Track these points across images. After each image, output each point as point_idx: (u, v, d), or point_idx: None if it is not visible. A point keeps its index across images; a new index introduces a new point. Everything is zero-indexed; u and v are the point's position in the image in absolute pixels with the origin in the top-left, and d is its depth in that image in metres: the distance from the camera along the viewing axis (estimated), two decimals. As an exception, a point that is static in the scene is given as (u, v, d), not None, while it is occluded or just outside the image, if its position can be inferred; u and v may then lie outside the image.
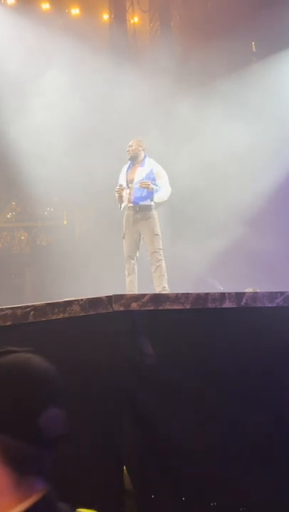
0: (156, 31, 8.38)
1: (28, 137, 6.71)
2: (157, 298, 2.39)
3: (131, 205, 4.38)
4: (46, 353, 2.36)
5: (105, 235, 6.47)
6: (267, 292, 2.45)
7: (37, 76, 6.80)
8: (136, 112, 6.50)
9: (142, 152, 4.45)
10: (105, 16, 8.37)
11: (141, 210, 4.34)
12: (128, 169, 4.46)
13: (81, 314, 2.24)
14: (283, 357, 2.43)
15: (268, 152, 6.61)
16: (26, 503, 0.84)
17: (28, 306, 2.18)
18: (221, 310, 2.39)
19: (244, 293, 2.44)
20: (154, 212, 4.37)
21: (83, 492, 2.18)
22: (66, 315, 2.21)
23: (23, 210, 8.85)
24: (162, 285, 4.26)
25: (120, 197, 4.40)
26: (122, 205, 4.45)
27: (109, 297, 2.30)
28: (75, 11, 8.12)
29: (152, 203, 4.39)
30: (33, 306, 2.18)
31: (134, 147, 4.42)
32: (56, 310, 2.20)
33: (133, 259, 4.37)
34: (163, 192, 4.39)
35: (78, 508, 0.96)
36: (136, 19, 8.48)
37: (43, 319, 2.18)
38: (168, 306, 2.36)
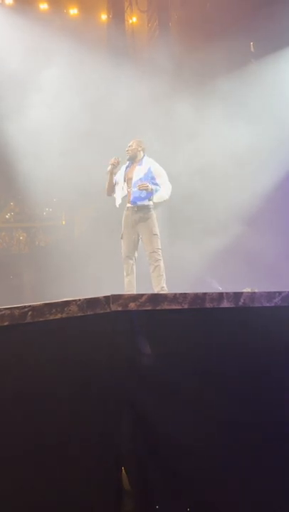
0: (155, 31, 8.38)
1: (27, 137, 6.71)
2: (155, 298, 2.39)
3: (130, 205, 4.39)
4: (44, 353, 2.37)
5: (104, 236, 6.47)
6: (265, 292, 2.46)
7: (35, 76, 6.80)
8: (134, 111, 6.50)
9: (141, 152, 4.46)
10: (103, 16, 8.37)
11: (139, 210, 4.34)
12: (127, 168, 4.47)
13: (79, 314, 2.24)
14: (281, 357, 2.43)
15: (267, 152, 6.62)
16: None
17: (25, 307, 2.18)
18: (219, 310, 2.39)
19: (242, 293, 2.44)
20: (153, 213, 4.37)
21: (83, 492, 2.18)
22: (64, 315, 2.21)
23: (21, 211, 8.85)
24: (160, 285, 4.27)
25: (111, 177, 4.37)
26: (117, 202, 4.46)
27: (107, 297, 2.30)
28: (74, 11, 8.12)
29: (151, 203, 4.39)
30: (30, 306, 2.18)
31: (133, 147, 4.44)
32: (54, 310, 2.20)
33: (131, 259, 4.37)
34: (163, 191, 4.39)
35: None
36: (134, 19, 8.49)
37: (40, 319, 2.18)
38: (166, 306, 2.36)
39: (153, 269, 4.30)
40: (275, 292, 2.44)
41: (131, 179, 4.39)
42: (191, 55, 6.84)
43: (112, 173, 4.44)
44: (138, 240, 4.38)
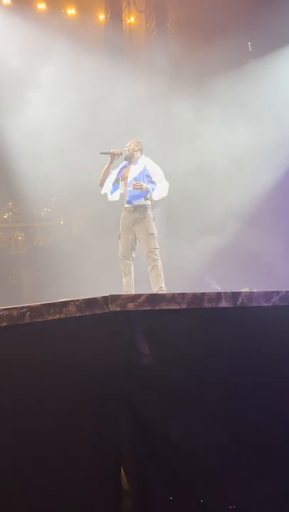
0: (153, 31, 8.38)
1: (25, 137, 6.70)
2: (153, 298, 2.39)
3: (127, 205, 4.39)
4: (43, 353, 2.37)
5: (102, 236, 6.47)
6: (263, 292, 2.46)
7: (33, 76, 6.79)
8: (133, 111, 6.50)
9: (138, 153, 4.47)
10: (101, 16, 8.37)
11: (136, 210, 4.34)
12: (123, 168, 4.48)
13: (77, 315, 2.24)
14: (280, 356, 2.43)
15: (266, 151, 6.63)
16: None
17: (24, 307, 2.18)
18: (217, 310, 2.39)
19: (240, 293, 2.45)
20: (149, 213, 4.37)
21: (82, 492, 2.18)
22: (62, 315, 2.22)
23: (19, 211, 8.83)
24: (159, 285, 4.26)
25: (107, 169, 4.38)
26: (102, 191, 4.45)
27: (105, 297, 2.30)
28: (71, 11, 8.12)
29: (148, 202, 4.39)
30: (29, 306, 2.19)
31: (131, 147, 4.45)
32: (52, 311, 2.20)
33: (128, 259, 4.37)
34: (160, 188, 4.38)
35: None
36: (132, 19, 8.49)
37: (39, 320, 2.19)
38: (164, 306, 2.36)
39: (151, 268, 4.30)
40: (272, 292, 2.45)
41: (126, 178, 4.40)
42: (189, 55, 6.84)
43: (110, 162, 4.44)
44: (135, 240, 4.38)
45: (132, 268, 4.41)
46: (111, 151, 4.44)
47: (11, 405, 2.15)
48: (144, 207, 4.35)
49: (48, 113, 6.65)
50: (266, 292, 2.45)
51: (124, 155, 4.45)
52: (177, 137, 6.81)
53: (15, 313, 2.16)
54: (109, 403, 2.27)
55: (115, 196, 4.54)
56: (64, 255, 7.39)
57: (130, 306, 2.32)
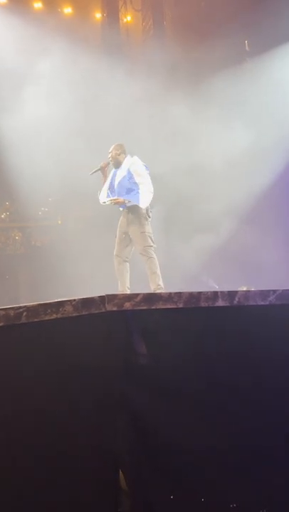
0: (149, 30, 8.38)
1: (21, 136, 6.69)
2: (150, 297, 2.39)
3: (121, 209, 4.46)
4: (40, 353, 2.37)
5: (100, 235, 6.46)
6: (259, 290, 2.46)
7: (30, 75, 6.78)
8: (129, 110, 6.50)
9: (122, 155, 4.48)
10: (98, 15, 8.36)
11: (130, 211, 4.38)
12: (113, 175, 4.52)
13: (74, 315, 2.24)
14: (276, 354, 2.44)
15: (264, 151, 6.63)
16: None
17: (20, 307, 2.18)
18: (213, 309, 2.39)
19: (236, 291, 2.45)
20: (142, 212, 4.39)
21: (81, 492, 2.18)
22: (59, 315, 2.21)
23: (16, 210, 8.81)
24: (156, 283, 4.28)
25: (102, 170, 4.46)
26: (100, 201, 4.51)
27: (102, 297, 2.30)
28: (68, 10, 8.10)
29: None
30: (25, 306, 2.18)
31: (112, 154, 4.48)
32: (49, 310, 2.20)
33: (121, 258, 4.41)
34: (144, 193, 4.35)
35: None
36: (129, 18, 8.47)
37: (35, 320, 2.18)
38: (161, 306, 2.36)
39: (146, 264, 4.34)
40: (269, 290, 2.45)
41: (114, 185, 4.45)
42: (186, 54, 6.84)
43: (104, 175, 4.50)
44: (129, 240, 4.42)
45: (126, 267, 4.42)
46: (99, 166, 4.50)
47: (9, 406, 2.14)
48: (136, 207, 4.37)
49: (45, 112, 6.64)
50: (262, 291, 2.45)
51: (111, 163, 4.49)
52: (174, 136, 6.81)
53: (12, 313, 2.16)
54: (106, 402, 2.27)
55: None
56: (61, 255, 7.37)
57: (127, 305, 2.32)
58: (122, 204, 4.40)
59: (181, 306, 2.37)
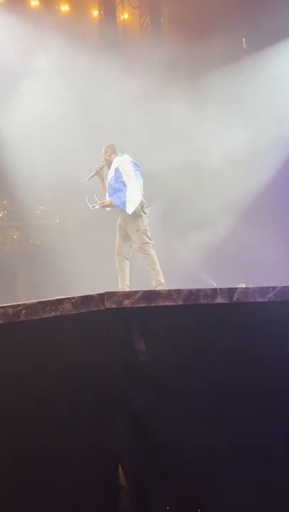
0: (147, 27, 8.36)
1: (18, 135, 6.68)
2: (149, 295, 2.39)
3: (110, 208, 4.50)
4: (39, 351, 2.36)
5: (98, 233, 6.46)
6: (258, 287, 2.46)
7: (27, 73, 6.77)
8: (127, 108, 6.49)
9: (112, 155, 4.50)
10: (95, 13, 8.33)
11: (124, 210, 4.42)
12: (108, 176, 4.54)
13: (73, 312, 2.23)
14: (276, 351, 2.44)
15: (262, 148, 6.63)
16: None
17: (19, 305, 2.17)
18: (213, 306, 2.39)
19: (236, 288, 2.44)
20: (137, 209, 4.40)
21: (81, 491, 2.17)
22: (58, 313, 2.21)
23: (15, 209, 8.79)
24: (157, 279, 4.31)
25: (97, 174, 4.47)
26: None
27: (101, 295, 2.30)
28: (65, 8, 8.07)
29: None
30: (24, 304, 2.18)
31: (104, 156, 4.51)
32: (48, 308, 2.19)
33: (120, 255, 4.43)
34: (129, 197, 4.38)
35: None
36: (126, 15, 8.46)
37: (34, 318, 2.18)
38: (160, 303, 2.36)
39: (145, 261, 4.36)
40: (268, 287, 2.45)
41: (108, 186, 4.48)
42: (184, 51, 6.83)
43: (100, 179, 4.54)
44: (127, 237, 4.44)
45: (127, 264, 4.43)
46: (94, 170, 4.53)
47: (8, 405, 2.14)
48: None
49: (43, 110, 6.63)
50: (262, 288, 2.45)
51: (105, 165, 4.52)
52: (172, 134, 6.80)
53: (10, 311, 2.15)
54: (107, 402, 2.26)
55: None
56: (60, 253, 7.37)
57: (126, 302, 2.31)
58: (111, 206, 4.42)
59: (180, 303, 2.37)
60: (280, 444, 2.39)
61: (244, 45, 7.77)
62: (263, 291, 2.43)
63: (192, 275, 6.27)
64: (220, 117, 6.68)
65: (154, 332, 2.38)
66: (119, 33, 8.18)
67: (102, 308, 2.28)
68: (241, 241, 6.61)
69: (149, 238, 4.40)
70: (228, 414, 2.35)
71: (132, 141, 5.30)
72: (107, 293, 2.31)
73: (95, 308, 2.27)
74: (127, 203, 4.32)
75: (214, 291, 2.39)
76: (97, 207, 4.43)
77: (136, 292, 2.37)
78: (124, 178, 4.37)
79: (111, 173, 4.46)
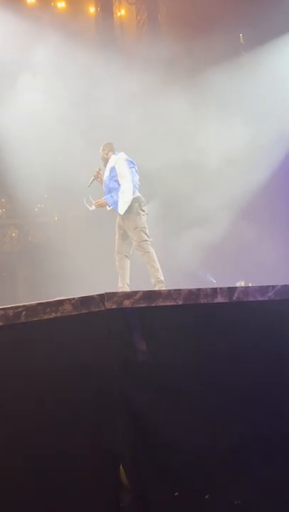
0: (144, 24, 8.32)
1: (16, 133, 6.65)
2: (149, 295, 2.38)
3: (110, 208, 4.50)
4: (39, 353, 2.36)
5: (97, 231, 6.46)
6: (258, 286, 2.46)
7: (24, 70, 6.73)
8: (125, 105, 6.47)
9: (110, 154, 4.51)
10: (92, 9, 8.29)
11: None
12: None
13: (73, 313, 2.23)
14: (276, 349, 2.44)
15: (262, 145, 6.63)
16: None
17: (19, 307, 2.17)
18: (213, 305, 2.39)
19: (236, 287, 2.45)
20: (135, 207, 4.40)
21: (82, 491, 2.18)
22: (58, 314, 2.21)
23: (13, 207, 8.77)
24: (156, 276, 4.32)
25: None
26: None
27: (101, 295, 2.29)
28: (61, 5, 8.03)
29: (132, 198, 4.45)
30: (24, 306, 2.18)
31: (102, 154, 4.52)
32: (48, 309, 2.19)
33: (120, 253, 4.44)
34: (121, 198, 4.39)
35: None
36: (123, 12, 8.41)
37: (35, 319, 2.18)
38: (160, 303, 2.36)
39: (144, 259, 4.36)
40: (268, 286, 2.45)
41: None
42: (181, 48, 6.81)
43: (101, 182, 4.56)
44: (126, 236, 4.44)
45: (127, 263, 4.43)
46: (92, 176, 4.55)
47: (8, 405, 2.14)
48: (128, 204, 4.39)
49: (40, 108, 6.61)
50: (261, 287, 2.45)
51: (102, 166, 4.53)
52: (171, 132, 6.79)
53: (11, 312, 2.15)
54: (108, 402, 2.26)
55: None
56: (59, 251, 7.37)
57: (126, 303, 2.31)
58: (106, 206, 4.43)
59: (180, 303, 2.37)
60: (281, 444, 2.39)
61: (242, 42, 7.74)
62: (262, 290, 2.44)
63: (191, 273, 6.28)
64: (219, 114, 6.66)
65: (155, 332, 2.38)
66: (116, 29, 8.14)
67: (103, 308, 2.28)
68: (240, 239, 6.61)
69: (148, 236, 4.41)
70: (228, 413, 2.35)
71: (130, 139, 5.29)
72: (107, 293, 2.31)
73: (95, 309, 2.27)
74: (118, 203, 4.33)
75: (214, 291, 2.39)
76: (94, 207, 4.45)
77: (136, 292, 2.37)
78: (119, 178, 4.38)
79: (106, 172, 4.46)
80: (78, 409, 2.22)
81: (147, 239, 4.38)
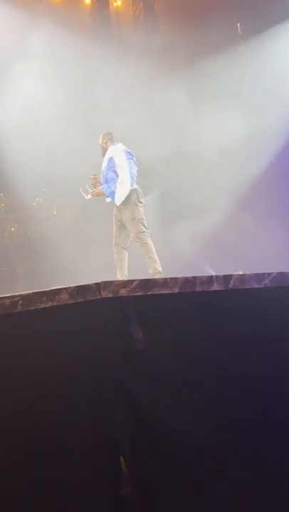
0: (140, 14, 8.25)
1: (13, 125, 6.63)
2: (146, 283, 2.39)
3: (110, 199, 4.48)
4: (36, 342, 2.36)
5: (96, 224, 6.45)
6: (254, 274, 2.46)
7: (20, 61, 6.69)
8: (121, 96, 6.45)
9: (108, 143, 4.49)
10: (87, 0, 8.22)
11: None
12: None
13: (70, 302, 2.23)
14: (271, 336, 2.45)
15: (260, 135, 6.60)
16: None
17: (15, 296, 2.18)
18: (209, 293, 2.39)
19: (231, 275, 2.45)
20: (132, 198, 4.40)
21: (82, 485, 2.18)
22: (55, 303, 2.21)
23: (11, 202, 8.76)
24: (154, 267, 4.32)
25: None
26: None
27: (97, 284, 2.30)
28: (57, -5, 7.96)
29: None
30: (20, 295, 2.18)
31: (100, 142, 4.50)
32: (44, 298, 2.20)
33: (118, 245, 4.44)
34: (118, 189, 4.38)
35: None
36: (119, 2, 8.34)
37: (31, 308, 2.18)
38: (156, 291, 2.36)
39: (141, 250, 4.37)
40: (264, 274, 2.45)
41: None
42: (178, 38, 6.76)
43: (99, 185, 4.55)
44: (123, 227, 4.44)
45: (125, 255, 4.44)
46: (90, 183, 4.51)
47: (5, 396, 2.14)
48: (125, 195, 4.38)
49: (37, 99, 6.58)
50: (257, 274, 2.45)
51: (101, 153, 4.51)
52: (168, 122, 6.76)
53: (7, 302, 2.16)
54: (107, 392, 2.26)
55: None
56: (58, 245, 7.37)
57: (122, 291, 2.32)
58: (103, 195, 4.42)
59: (176, 291, 2.37)
60: (279, 432, 2.40)
61: (239, 32, 7.68)
62: (258, 277, 2.44)
63: (190, 264, 6.28)
64: (216, 104, 6.63)
65: (151, 320, 2.39)
66: (112, 20, 8.08)
67: (99, 297, 2.28)
68: (239, 229, 6.60)
69: (146, 227, 4.41)
70: (226, 402, 2.35)
71: (127, 131, 5.26)
72: (103, 282, 2.31)
73: (92, 298, 2.27)
74: (116, 193, 4.33)
75: (210, 279, 2.40)
76: (90, 196, 4.44)
77: (132, 281, 2.37)
78: (117, 169, 4.37)
79: (104, 162, 4.45)
80: (77, 399, 2.22)
81: (145, 230, 4.39)
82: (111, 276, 4.42)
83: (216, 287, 2.39)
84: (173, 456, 2.28)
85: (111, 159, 4.39)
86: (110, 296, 2.30)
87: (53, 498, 2.15)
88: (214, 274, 2.52)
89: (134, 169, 4.46)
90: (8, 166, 7.13)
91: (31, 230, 8.92)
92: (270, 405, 2.41)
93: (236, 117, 6.57)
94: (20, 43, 6.63)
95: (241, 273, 3.49)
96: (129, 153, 4.46)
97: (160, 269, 4.33)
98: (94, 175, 4.53)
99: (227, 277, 2.42)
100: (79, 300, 2.25)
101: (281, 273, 2.49)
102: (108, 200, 4.56)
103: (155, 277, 4.28)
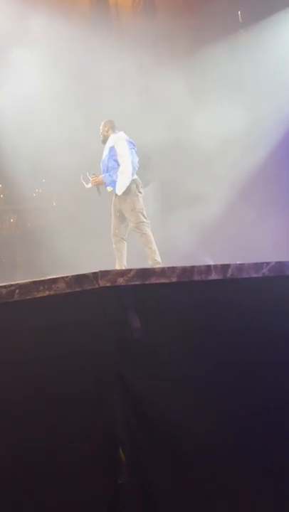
0: (139, 3, 8.16)
1: (12, 116, 6.59)
2: (143, 272, 2.38)
3: (111, 188, 4.45)
4: (34, 330, 2.35)
5: (95, 215, 6.44)
6: (252, 263, 2.45)
7: (19, 51, 6.64)
8: (121, 85, 6.40)
9: (109, 131, 4.46)
10: (86, -11, 8.12)
11: None
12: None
13: (67, 291, 2.23)
14: (270, 326, 2.45)
15: (261, 124, 6.55)
16: None
17: (12, 285, 2.17)
18: (207, 282, 2.38)
19: (229, 264, 2.44)
20: (132, 188, 4.38)
21: (82, 479, 2.18)
22: (52, 292, 2.20)
23: (11, 193, 8.73)
24: (153, 258, 4.31)
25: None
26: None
27: (95, 273, 2.29)
28: (55, -16, 7.85)
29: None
30: (17, 284, 2.18)
31: (101, 130, 4.46)
32: (41, 288, 2.19)
33: (117, 236, 4.42)
34: (120, 178, 4.35)
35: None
36: (118, -9, 8.24)
37: (28, 297, 2.17)
38: (154, 280, 2.35)
39: (141, 240, 4.36)
40: (262, 263, 2.44)
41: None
42: (177, 27, 6.69)
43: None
44: (123, 218, 4.43)
45: (124, 245, 4.43)
46: (90, 184, 4.48)
47: (5, 388, 2.13)
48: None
49: (35, 90, 6.53)
50: (256, 263, 2.44)
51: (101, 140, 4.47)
52: (168, 112, 6.71)
53: (4, 291, 2.15)
54: (102, 381, 2.25)
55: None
56: (57, 237, 7.36)
57: (120, 280, 2.31)
58: (103, 184, 4.39)
59: (174, 281, 2.36)
60: (279, 425, 2.39)
61: (240, 20, 7.59)
62: (257, 266, 2.43)
63: (189, 254, 6.28)
64: (216, 93, 6.58)
65: (149, 309, 2.38)
66: (111, 9, 7.99)
67: (96, 286, 2.27)
68: (239, 219, 6.59)
69: (145, 217, 4.39)
70: (225, 394, 2.34)
71: (126, 119, 5.23)
72: (100, 271, 2.30)
73: (89, 287, 2.26)
74: (117, 183, 4.31)
75: (208, 268, 2.39)
76: (91, 185, 4.42)
77: (130, 270, 2.36)
78: (118, 158, 4.34)
79: (105, 151, 4.41)
80: (76, 394, 2.21)
81: (144, 220, 4.37)
82: (110, 266, 4.41)
83: (214, 276, 2.38)
84: (173, 452, 2.27)
85: (112, 148, 4.35)
86: (108, 285, 2.29)
87: (52, 497, 2.11)
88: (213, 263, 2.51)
89: (136, 159, 4.44)
90: (7, 156, 7.10)
91: (31, 221, 8.90)
92: (269, 395, 2.41)
93: (236, 107, 6.52)
94: (18, 32, 6.57)
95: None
96: (131, 142, 4.43)
97: (159, 259, 4.33)
98: (94, 174, 4.48)
99: (225, 266, 2.41)
100: (76, 289, 2.24)
101: (279, 262, 2.48)
102: (109, 189, 4.53)
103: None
